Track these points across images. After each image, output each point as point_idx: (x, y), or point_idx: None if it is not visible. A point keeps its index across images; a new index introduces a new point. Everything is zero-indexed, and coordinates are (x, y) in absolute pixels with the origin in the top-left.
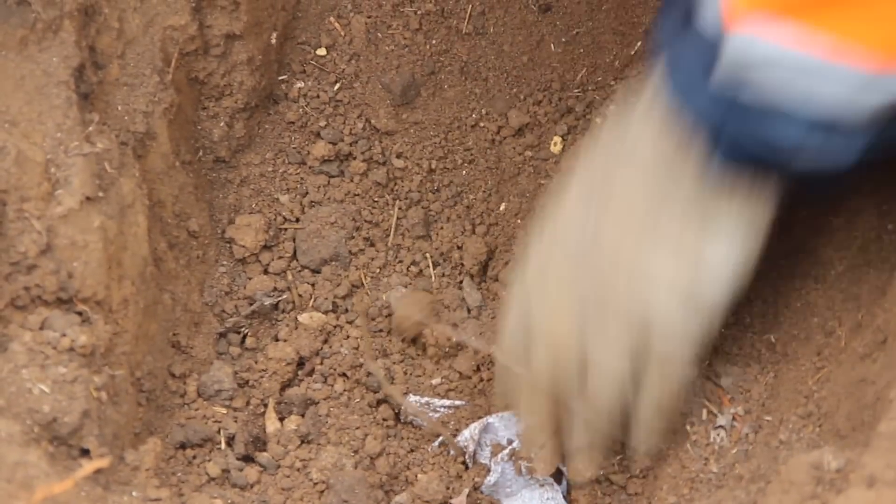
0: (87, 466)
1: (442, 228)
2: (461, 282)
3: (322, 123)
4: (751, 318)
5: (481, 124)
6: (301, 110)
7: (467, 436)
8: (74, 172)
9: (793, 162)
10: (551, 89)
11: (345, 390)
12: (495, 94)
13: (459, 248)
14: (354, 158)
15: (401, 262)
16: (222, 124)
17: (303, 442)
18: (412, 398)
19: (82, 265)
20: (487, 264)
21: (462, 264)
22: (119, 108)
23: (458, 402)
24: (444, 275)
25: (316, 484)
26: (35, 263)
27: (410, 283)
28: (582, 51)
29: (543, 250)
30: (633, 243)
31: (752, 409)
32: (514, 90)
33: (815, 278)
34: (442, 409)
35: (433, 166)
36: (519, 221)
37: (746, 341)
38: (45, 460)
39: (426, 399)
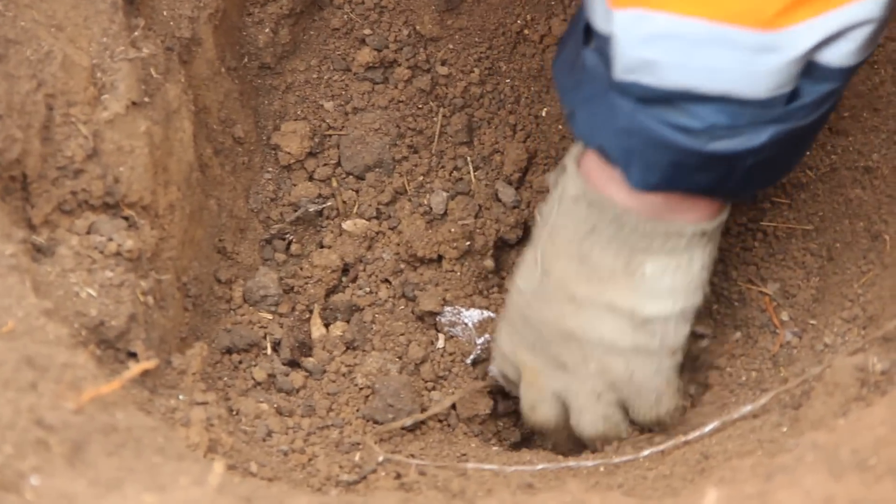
0: (135, 368)
1: (484, 134)
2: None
3: (367, 30)
4: (797, 224)
5: (525, 31)
6: (346, 16)
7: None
8: (120, 77)
9: (707, 146)
10: None
11: (389, 297)
12: (541, 0)
13: (500, 152)
14: (399, 65)
15: (443, 167)
16: (267, 30)
17: (348, 348)
18: (446, 309)
19: (128, 170)
20: (527, 169)
21: (502, 169)
22: (164, 13)
23: (487, 313)
24: (483, 178)
25: (361, 389)
26: (82, 168)
27: (452, 188)
28: None
29: (513, 310)
30: (573, 304)
31: (797, 314)
32: None
33: (861, 183)
34: (471, 319)
35: (477, 73)
36: (560, 127)
37: (792, 246)
38: (92, 362)
39: (457, 308)
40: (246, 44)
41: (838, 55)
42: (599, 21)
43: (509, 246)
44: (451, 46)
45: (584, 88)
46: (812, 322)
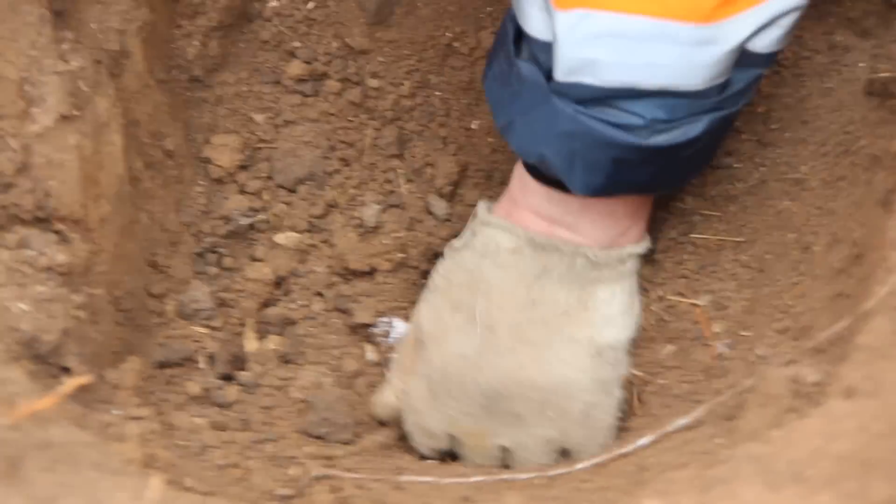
0: (70, 382)
1: (416, 147)
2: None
3: (296, 43)
4: (727, 236)
5: (454, 44)
6: (275, 29)
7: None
8: (49, 91)
9: (648, 140)
10: None
11: (322, 310)
12: (469, 12)
13: (432, 165)
14: (329, 78)
15: (374, 180)
16: (197, 43)
17: (282, 361)
18: (379, 320)
19: (59, 184)
20: (458, 182)
21: (434, 181)
22: (93, 25)
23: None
24: (416, 191)
25: (296, 403)
26: (11, 182)
27: (384, 200)
28: None
29: (428, 371)
30: (532, 348)
31: (729, 326)
32: (490, 9)
33: (790, 195)
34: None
35: (407, 86)
36: (490, 140)
37: (723, 259)
38: (26, 378)
39: (390, 319)
40: (175, 56)
41: (767, 42)
42: (535, 27)
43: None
44: (380, 59)
45: (520, 99)
46: (744, 333)
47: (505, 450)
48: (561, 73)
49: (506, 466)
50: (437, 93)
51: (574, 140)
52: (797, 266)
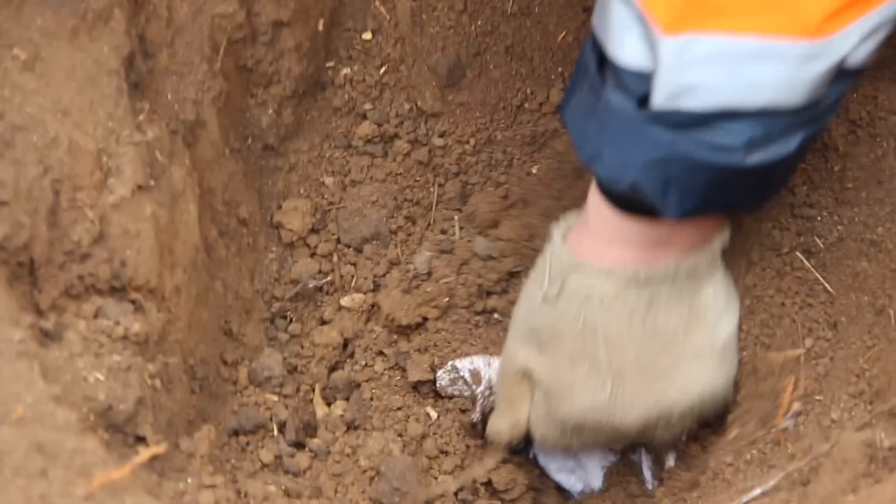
0: (144, 453)
1: (476, 197)
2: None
3: (368, 106)
4: (802, 297)
5: (526, 105)
6: (347, 95)
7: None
8: (126, 161)
9: (744, 163)
10: None
11: (385, 370)
12: (541, 73)
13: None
14: (399, 139)
15: (432, 231)
16: (270, 111)
17: (349, 427)
18: (440, 373)
19: (135, 253)
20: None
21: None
22: (169, 96)
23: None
24: (465, 235)
25: (365, 471)
26: (88, 252)
27: (437, 246)
28: None
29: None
30: (663, 380)
31: (803, 388)
32: (560, 69)
33: (867, 255)
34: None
35: (473, 142)
36: (550, 184)
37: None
38: (101, 447)
39: (451, 364)
40: (250, 125)
41: (861, 55)
42: (629, 56)
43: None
44: (452, 120)
45: (609, 128)
46: (818, 398)
47: None
48: (660, 100)
49: None
50: (500, 147)
51: (670, 166)
52: (872, 329)
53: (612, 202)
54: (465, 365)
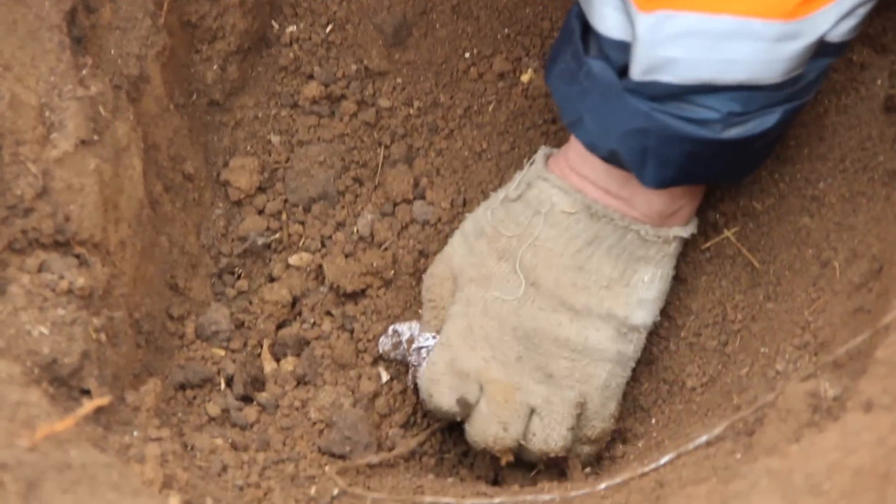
0: (88, 405)
1: (422, 162)
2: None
3: (315, 66)
4: (747, 252)
5: (471, 69)
6: (293, 54)
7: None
8: (69, 116)
9: (723, 134)
10: (541, 28)
11: (333, 329)
12: (486, 32)
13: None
14: (346, 99)
15: (377, 195)
16: (215, 67)
17: (299, 382)
18: (382, 339)
19: (79, 208)
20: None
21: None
22: (112, 51)
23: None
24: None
25: (315, 423)
26: (32, 207)
27: (380, 209)
28: None
29: (468, 311)
30: (571, 312)
31: (748, 341)
32: (506, 30)
33: (808, 211)
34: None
35: (417, 104)
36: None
37: (743, 275)
38: (45, 400)
39: (392, 328)
40: (194, 81)
41: (843, 31)
42: (609, 26)
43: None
44: (399, 80)
45: (590, 96)
46: (763, 350)
47: (531, 411)
48: (638, 72)
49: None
50: (442, 110)
51: (647, 136)
52: (816, 282)
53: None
54: (404, 329)
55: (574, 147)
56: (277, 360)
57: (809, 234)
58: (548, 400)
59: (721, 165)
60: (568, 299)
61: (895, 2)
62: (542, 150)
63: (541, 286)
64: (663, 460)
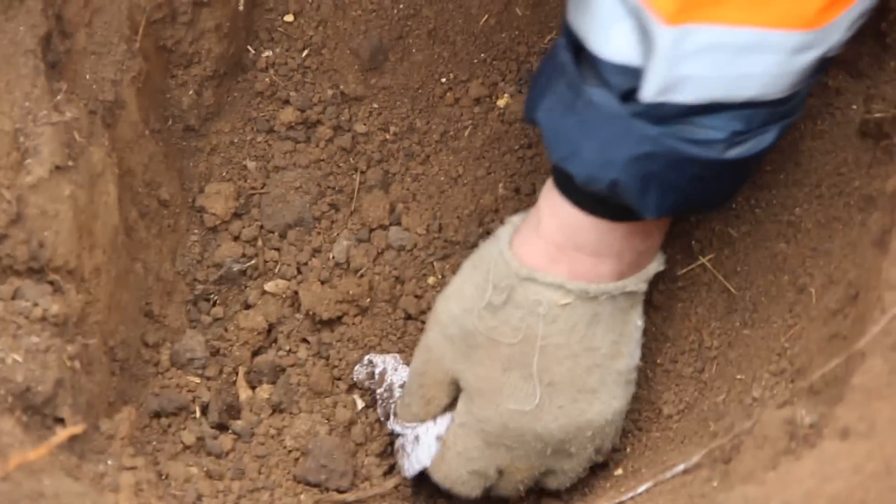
0: (62, 434)
1: (398, 187)
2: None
3: (291, 91)
4: (723, 278)
5: (447, 94)
6: (269, 79)
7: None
8: (44, 142)
9: (726, 154)
10: (517, 52)
11: (309, 356)
12: (463, 57)
13: (405, 203)
14: (322, 125)
15: (353, 221)
16: (191, 92)
17: (275, 410)
18: (357, 367)
19: (53, 234)
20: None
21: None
22: (87, 76)
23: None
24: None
25: (290, 451)
26: (5, 233)
27: (355, 235)
28: (549, 12)
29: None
30: (590, 394)
31: (724, 368)
32: (482, 54)
33: (784, 236)
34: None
35: (394, 129)
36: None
37: (719, 301)
38: (19, 428)
39: (367, 358)
40: (170, 106)
41: (841, 44)
42: (614, 50)
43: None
44: (375, 105)
45: (591, 125)
46: (739, 377)
47: (546, 472)
48: (651, 93)
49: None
50: (418, 135)
51: (653, 162)
52: (792, 308)
53: (572, 201)
54: (378, 361)
55: (547, 213)
56: (253, 388)
57: (786, 259)
58: (565, 469)
59: (717, 188)
60: (585, 384)
61: (870, 28)
62: (503, 232)
63: (556, 383)
64: (641, 489)
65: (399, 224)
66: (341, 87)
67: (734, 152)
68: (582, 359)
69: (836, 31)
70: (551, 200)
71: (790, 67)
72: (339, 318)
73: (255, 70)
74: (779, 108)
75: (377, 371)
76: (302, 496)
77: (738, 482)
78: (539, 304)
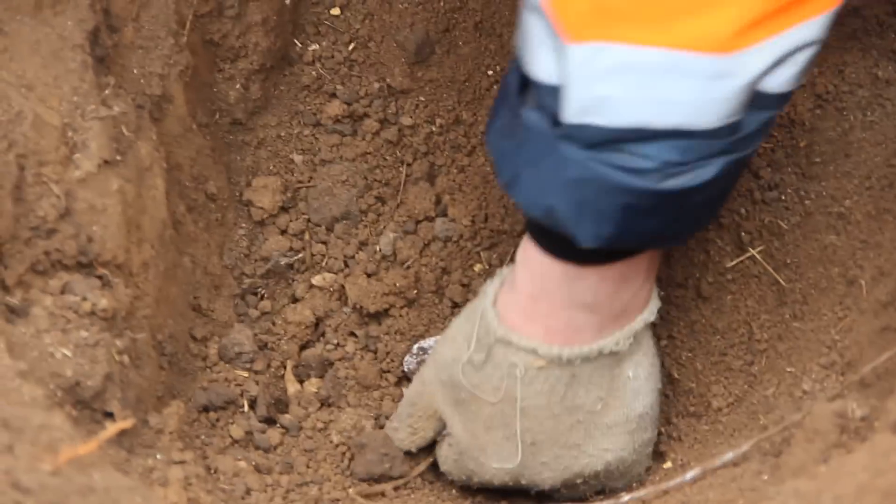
0: (111, 428)
1: (444, 179)
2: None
3: (338, 84)
4: (773, 270)
5: (495, 85)
6: (316, 72)
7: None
8: (92, 136)
9: (660, 185)
10: None
11: (357, 350)
12: (510, 49)
13: (450, 194)
14: (368, 118)
15: (399, 213)
16: (238, 86)
17: (322, 404)
18: (406, 358)
19: (102, 229)
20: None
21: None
22: (135, 71)
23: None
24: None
25: (338, 445)
26: (54, 228)
27: (402, 227)
28: None
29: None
30: (575, 451)
31: (774, 361)
32: None
33: (835, 228)
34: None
35: (440, 122)
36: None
37: (769, 294)
38: (68, 423)
39: (416, 347)
40: (217, 100)
41: (780, 80)
42: (543, 70)
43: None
44: (422, 98)
45: (526, 149)
46: (790, 370)
47: None
48: (570, 114)
49: None
50: (464, 127)
51: (583, 188)
52: (843, 300)
53: (539, 245)
54: (429, 344)
55: (521, 260)
56: (301, 382)
57: (836, 251)
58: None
59: (660, 221)
60: (568, 440)
61: None
62: (489, 288)
63: (539, 442)
64: (688, 476)
65: (445, 215)
66: (388, 80)
67: (670, 183)
68: (564, 417)
69: (756, 60)
70: (524, 249)
71: (711, 94)
72: (386, 310)
73: (301, 63)
74: (715, 141)
75: (429, 353)
76: (350, 490)
77: (789, 476)
78: (515, 366)
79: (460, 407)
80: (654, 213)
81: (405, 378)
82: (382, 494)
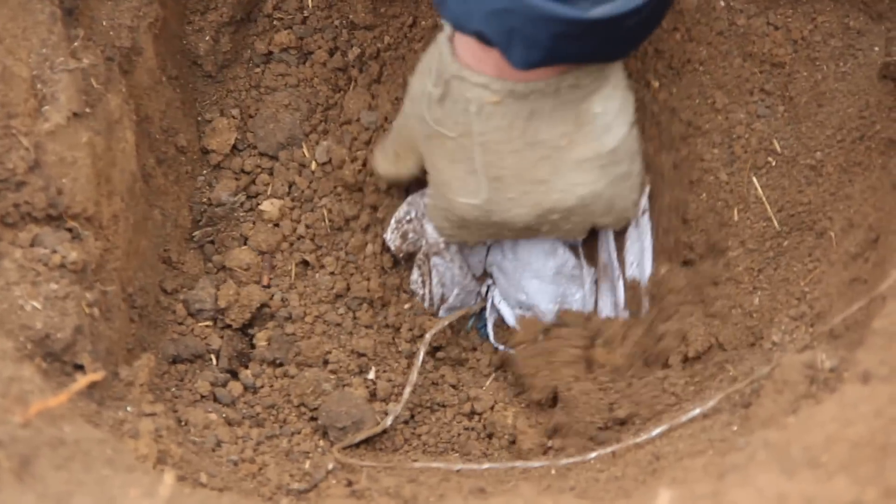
0: (82, 380)
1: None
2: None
3: (298, 24)
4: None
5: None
6: (280, 18)
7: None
8: (61, 88)
9: (589, 13)
10: None
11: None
12: None
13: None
14: (319, 48)
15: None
16: (208, 38)
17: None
18: (387, 236)
19: (71, 181)
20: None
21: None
22: (104, 23)
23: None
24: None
25: (303, 396)
26: (24, 180)
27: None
28: None
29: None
30: (544, 186)
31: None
32: None
33: (807, 179)
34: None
35: (388, 40)
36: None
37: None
38: (38, 375)
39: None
40: (187, 52)
41: None
42: None
43: None
44: (379, 30)
45: None
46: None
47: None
48: None
49: None
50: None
51: (512, 17)
52: (812, 252)
53: None
54: (402, 213)
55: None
56: (260, 329)
57: (807, 203)
58: (564, 230)
59: (591, 45)
60: (535, 176)
61: None
62: (445, 45)
63: (503, 178)
64: (656, 432)
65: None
66: (350, 17)
67: (599, 11)
68: (527, 153)
69: None
70: None
71: None
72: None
73: (268, 9)
74: None
75: (403, 212)
76: (321, 442)
77: (759, 426)
78: (470, 101)
79: (428, 142)
80: (585, 39)
81: (392, 256)
82: (355, 447)
